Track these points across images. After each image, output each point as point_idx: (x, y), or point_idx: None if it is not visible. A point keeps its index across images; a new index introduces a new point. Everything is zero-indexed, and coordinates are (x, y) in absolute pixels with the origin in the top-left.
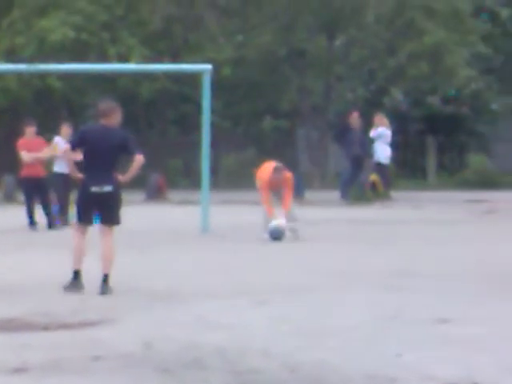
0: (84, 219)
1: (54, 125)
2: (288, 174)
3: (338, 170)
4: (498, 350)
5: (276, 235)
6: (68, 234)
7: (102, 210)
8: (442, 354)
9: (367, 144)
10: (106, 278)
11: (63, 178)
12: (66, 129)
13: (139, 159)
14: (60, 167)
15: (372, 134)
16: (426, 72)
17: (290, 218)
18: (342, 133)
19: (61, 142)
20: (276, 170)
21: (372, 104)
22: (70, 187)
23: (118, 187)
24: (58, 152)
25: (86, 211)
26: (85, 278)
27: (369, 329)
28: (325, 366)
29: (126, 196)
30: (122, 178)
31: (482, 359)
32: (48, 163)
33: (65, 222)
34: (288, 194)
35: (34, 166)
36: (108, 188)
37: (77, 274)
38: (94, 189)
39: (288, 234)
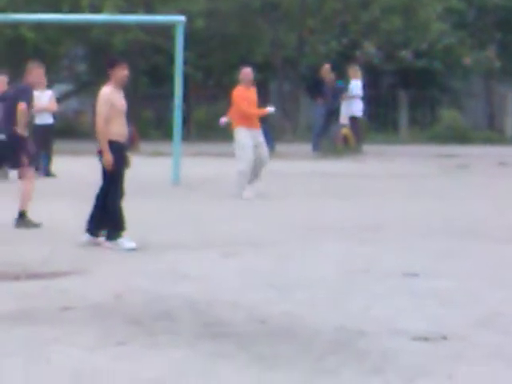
0: None
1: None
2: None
3: (310, 122)
4: (466, 304)
5: None
6: (41, 183)
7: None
8: (410, 308)
9: (340, 96)
10: (21, 214)
11: (43, 130)
12: None
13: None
14: (40, 119)
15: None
16: (398, 26)
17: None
18: (314, 86)
19: (39, 95)
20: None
21: (344, 57)
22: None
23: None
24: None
25: None
26: (56, 229)
27: (337, 282)
28: (293, 318)
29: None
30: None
31: (450, 313)
32: None
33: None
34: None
35: None
36: (1, 136)
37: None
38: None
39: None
